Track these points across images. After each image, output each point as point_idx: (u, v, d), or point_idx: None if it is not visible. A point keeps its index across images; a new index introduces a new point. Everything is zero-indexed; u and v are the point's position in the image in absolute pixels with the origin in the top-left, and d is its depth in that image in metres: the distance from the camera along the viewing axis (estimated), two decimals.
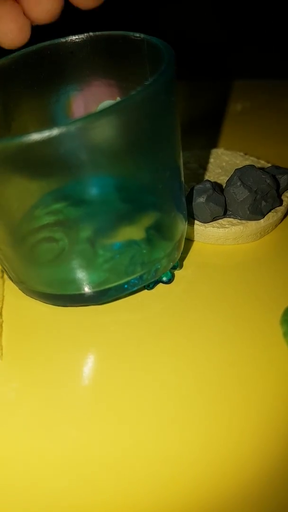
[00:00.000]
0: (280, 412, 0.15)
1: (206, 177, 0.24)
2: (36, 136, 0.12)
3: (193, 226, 0.21)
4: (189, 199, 0.21)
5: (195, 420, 0.15)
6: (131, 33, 0.17)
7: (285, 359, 0.16)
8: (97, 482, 0.13)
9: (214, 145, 0.28)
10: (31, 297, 0.19)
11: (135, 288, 0.18)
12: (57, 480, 0.13)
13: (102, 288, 0.18)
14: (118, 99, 0.19)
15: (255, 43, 0.47)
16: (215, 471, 0.14)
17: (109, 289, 0.18)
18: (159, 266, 0.18)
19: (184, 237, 0.19)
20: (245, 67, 0.42)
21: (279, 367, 0.16)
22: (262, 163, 0.24)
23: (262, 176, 0.21)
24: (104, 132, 0.13)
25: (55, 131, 0.13)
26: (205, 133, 0.30)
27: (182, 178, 0.18)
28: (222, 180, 0.23)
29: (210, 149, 0.26)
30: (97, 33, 0.18)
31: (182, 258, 0.21)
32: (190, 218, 0.21)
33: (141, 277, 0.18)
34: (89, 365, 0.17)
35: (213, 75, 0.40)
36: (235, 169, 0.21)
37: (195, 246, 0.21)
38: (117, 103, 0.13)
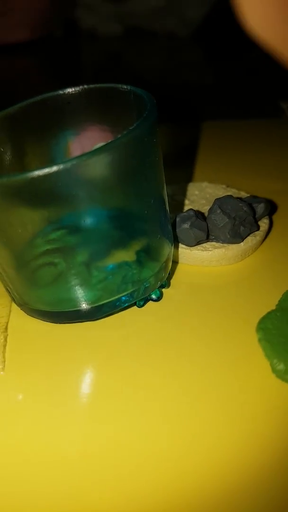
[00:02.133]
0: (259, 412, 0.16)
1: (191, 207, 0.26)
2: (37, 172, 0.15)
3: (179, 250, 0.23)
4: (175, 225, 0.23)
5: (183, 426, 0.16)
6: (119, 85, 0.20)
7: (260, 361, 0.17)
8: (96, 490, 0.15)
9: (199, 178, 0.31)
10: (32, 316, 0.21)
11: (126, 305, 0.20)
12: (58, 487, 0.15)
13: (96, 305, 0.19)
14: None
15: (233, 88, 0.52)
16: (199, 478, 0.15)
17: (103, 305, 0.20)
18: (148, 285, 0.20)
19: (171, 258, 0.22)
20: (229, 109, 0.46)
21: (256, 368, 0.17)
22: (242, 194, 0.27)
23: (240, 204, 0.23)
24: (96, 168, 0.16)
25: (54, 168, 0.15)
26: (191, 168, 0.33)
27: (167, 206, 0.21)
28: (206, 209, 0.26)
29: (195, 182, 0.29)
30: (90, 85, 0.21)
31: (170, 278, 0.23)
32: (176, 242, 0.23)
33: (131, 294, 0.20)
34: (85, 377, 0.18)
35: (199, 117, 0.44)
36: (215, 199, 0.23)
37: (182, 268, 0.24)
38: (107, 144, 0.16)
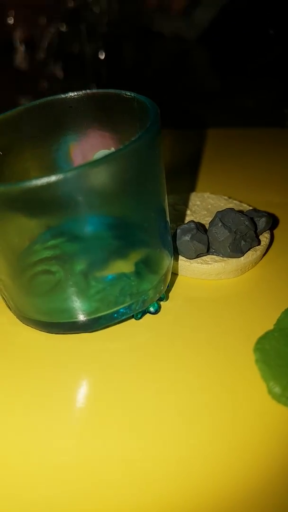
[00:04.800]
0: (254, 434, 0.16)
1: (192, 218, 0.26)
2: (36, 182, 0.15)
3: (179, 262, 0.23)
4: (175, 237, 0.23)
5: (177, 444, 0.16)
6: (123, 92, 0.20)
7: (256, 383, 0.17)
8: (88, 507, 0.14)
9: (201, 189, 0.31)
10: (27, 325, 0.20)
11: (124, 317, 0.20)
12: (49, 503, 0.14)
13: (93, 316, 0.19)
14: (112, 149, 0.22)
15: (238, 93, 0.51)
16: (192, 499, 0.15)
17: (100, 317, 0.19)
18: (146, 297, 0.20)
19: (170, 271, 0.21)
20: (232, 116, 0.46)
21: (252, 389, 0.17)
22: (244, 206, 0.27)
23: (241, 218, 0.23)
24: (96, 179, 0.16)
25: (53, 178, 0.15)
26: (193, 178, 0.33)
27: (168, 218, 0.21)
28: (207, 221, 0.25)
29: (197, 193, 0.28)
30: (93, 90, 0.21)
31: (168, 291, 0.22)
32: (176, 254, 0.23)
33: (129, 307, 0.20)
34: (79, 389, 0.18)
35: (203, 123, 0.43)
36: (217, 212, 0.23)
37: (180, 280, 0.23)
38: (108, 155, 0.15)
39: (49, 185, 0.15)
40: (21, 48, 0.49)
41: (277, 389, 0.16)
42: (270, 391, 0.16)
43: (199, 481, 0.15)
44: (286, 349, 0.17)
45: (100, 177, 0.16)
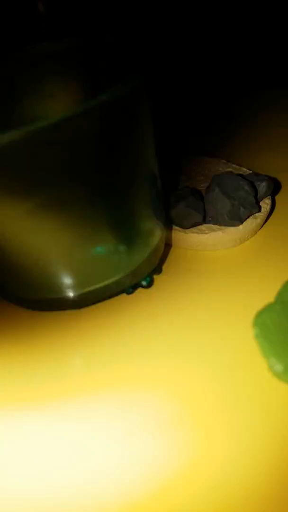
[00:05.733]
0: (255, 413, 0.15)
1: (188, 184, 0.24)
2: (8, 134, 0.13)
3: (173, 232, 0.21)
4: (169, 205, 0.21)
5: (174, 423, 0.15)
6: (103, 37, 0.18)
7: (256, 358, 0.16)
8: (78, 490, 0.14)
9: (198, 152, 0.29)
10: (13, 303, 0.19)
11: (115, 292, 0.18)
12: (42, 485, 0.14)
13: (82, 292, 0.18)
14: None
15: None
16: (192, 476, 0.14)
17: (89, 292, 0.18)
18: (137, 270, 0.19)
19: (163, 242, 0.20)
20: (235, 76, 0.43)
21: (252, 366, 0.16)
22: (244, 170, 0.25)
23: (240, 182, 0.21)
24: (76, 131, 0.14)
25: (24, 130, 0.13)
26: (190, 140, 0.31)
27: (159, 184, 0.19)
28: (204, 186, 0.24)
29: (193, 156, 0.27)
30: (70, 38, 0.19)
31: (162, 263, 0.21)
32: (170, 223, 0.21)
33: (120, 281, 0.18)
34: (71, 368, 0.17)
35: (207, 76, 0.40)
36: (213, 176, 0.21)
37: (174, 252, 0.22)
38: (87, 103, 0.13)
39: (19, 138, 0.13)
40: None
41: (278, 367, 0.14)
42: (271, 368, 0.15)
43: (199, 461, 0.14)
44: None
45: (80, 129, 0.14)
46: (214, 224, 0.21)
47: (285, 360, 0.14)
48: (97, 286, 0.18)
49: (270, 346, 0.15)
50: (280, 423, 0.15)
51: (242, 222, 0.21)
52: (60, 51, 0.19)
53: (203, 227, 0.21)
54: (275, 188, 0.24)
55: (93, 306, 0.19)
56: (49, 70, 0.19)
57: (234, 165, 0.26)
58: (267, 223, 0.23)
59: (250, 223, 0.22)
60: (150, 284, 0.20)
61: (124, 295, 0.20)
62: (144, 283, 0.20)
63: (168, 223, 0.21)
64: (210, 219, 0.22)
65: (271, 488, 0.13)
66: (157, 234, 0.19)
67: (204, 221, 0.22)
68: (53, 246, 0.17)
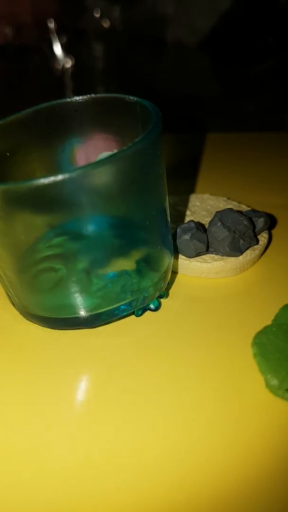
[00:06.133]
0: (252, 427, 0.16)
1: (192, 218, 0.27)
2: (42, 181, 0.15)
3: (179, 260, 0.24)
4: (176, 236, 0.23)
5: (177, 439, 0.16)
6: (126, 96, 0.21)
7: (255, 376, 0.18)
8: (90, 505, 0.15)
9: (201, 191, 0.32)
10: (30, 321, 0.21)
11: (125, 314, 0.20)
12: (52, 495, 0.15)
13: (95, 312, 0.20)
14: (115, 151, 0.22)
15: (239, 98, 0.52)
16: (192, 491, 0.15)
17: (101, 313, 0.20)
18: (146, 294, 0.20)
19: (171, 269, 0.22)
20: (234, 120, 0.47)
21: (250, 383, 0.18)
22: (243, 207, 0.27)
23: (240, 218, 0.23)
24: (100, 179, 0.16)
25: (59, 177, 0.15)
26: (194, 180, 0.34)
27: (168, 218, 0.21)
28: (207, 221, 0.26)
29: (197, 194, 0.29)
30: (98, 95, 0.21)
31: (168, 288, 0.23)
32: (176, 253, 0.23)
33: (130, 303, 0.20)
34: (81, 383, 0.19)
35: (203, 128, 0.44)
36: (216, 212, 0.24)
37: (181, 278, 0.24)
38: (111, 156, 0.16)
39: (54, 184, 0.15)
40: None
41: (274, 382, 0.16)
42: (267, 384, 0.17)
43: (198, 473, 0.15)
44: (284, 343, 0.17)
45: (103, 178, 0.16)
46: (217, 254, 0.24)
47: (280, 376, 0.16)
48: (110, 307, 0.20)
49: (267, 364, 0.17)
50: (274, 434, 0.16)
51: (242, 253, 0.23)
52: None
53: (207, 256, 0.24)
54: (272, 223, 0.27)
55: (105, 326, 0.21)
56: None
57: (234, 202, 0.28)
58: (264, 254, 0.25)
59: (250, 254, 0.24)
60: (158, 308, 0.22)
61: (134, 316, 0.21)
62: (152, 306, 0.22)
63: (175, 253, 0.23)
64: (212, 249, 0.24)
65: (268, 500, 0.15)
66: (165, 262, 0.21)
67: (207, 251, 0.24)
68: (72, 271, 0.19)
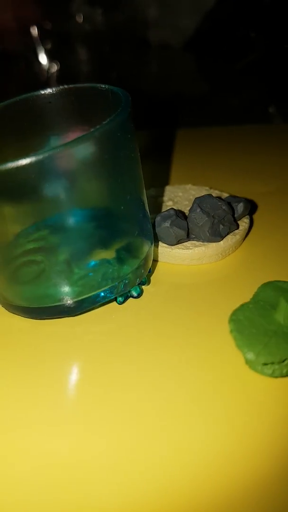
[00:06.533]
0: (231, 401, 0.16)
1: (174, 207, 0.27)
2: (10, 165, 0.15)
3: (160, 249, 0.24)
4: (155, 225, 0.23)
5: (159, 418, 0.16)
6: (98, 85, 0.21)
7: (233, 352, 0.18)
8: (79, 492, 0.15)
9: (184, 181, 0.32)
10: (12, 312, 0.21)
11: (106, 300, 0.20)
12: (44, 489, 0.15)
13: (76, 299, 0.20)
14: None
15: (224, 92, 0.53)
16: (175, 470, 0.15)
17: (83, 300, 0.20)
18: (127, 281, 0.21)
19: (151, 256, 0.22)
20: (221, 117, 0.47)
21: (229, 359, 0.18)
22: (225, 195, 0.27)
23: (218, 203, 0.23)
24: (69, 161, 0.16)
25: (27, 160, 0.15)
26: (177, 172, 0.34)
27: (146, 206, 0.21)
28: (188, 210, 0.26)
29: (180, 185, 0.29)
30: (70, 85, 0.22)
31: (150, 276, 0.23)
32: (157, 241, 0.24)
33: (111, 290, 0.20)
34: (66, 372, 0.19)
35: (189, 124, 0.44)
36: (195, 198, 0.24)
37: (162, 266, 0.24)
38: (79, 137, 0.16)
39: (23, 167, 0.15)
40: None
41: (251, 355, 0.16)
42: (246, 360, 0.17)
43: (183, 451, 0.15)
44: (260, 318, 0.17)
45: (72, 160, 0.17)
46: (198, 240, 0.24)
47: (256, 350, 0.16)
48: (90, 294, 0.20)
49: (243, 338, 0.17)
50: (253, 408, 0.16)
51: (222, 238, 0.24)
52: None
53: (188, 243, 0.24)
54: (252, 208, 0.27)
55: (87, 314, 0.21)
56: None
57: (216, 191, 0.28)
58: (246, 239, 0.25)
59: (231, 239, 0.24)
60: (140, 295, 0.22)
61: (117, 304, 0.22)
62: (134, 293, 0.22)
63: (156, 241, 0.23)
64: (193, 236, 0.24)
65: (248, 474, 0.14)
66: (145, 249, 0.21)
67: (188, 238, 0.24)
68: (53, 263, 0.19)
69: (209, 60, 0.61)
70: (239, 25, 0.57)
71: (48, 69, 0.52)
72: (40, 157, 0.15)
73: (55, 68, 0.52)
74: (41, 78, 0.51)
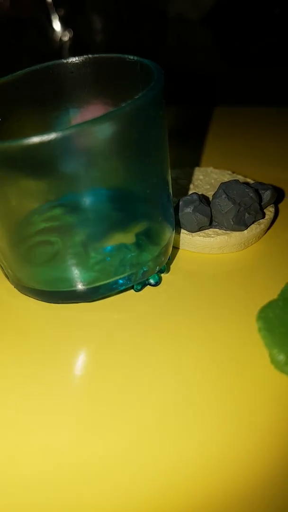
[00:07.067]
0: (256, 404, 0.15)
1: (196, 191, 0.25)
2: (34, 139, 0.14)
3: (181, 235, 0.22)
4: (177, 209, 0.22)
5: (179, 415, 0.15)
6: (125, 56, 0.19)
7: (260, 351, 0.17)
8: (88, 484, 0.14)
9: (205, 164, 0.30)
10: (25, 294, 0.20)
11: (123, 287, 0.19)
12: (50, 479, 0.14)
13: (92, 286, 0.19)
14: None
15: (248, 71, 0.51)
16: (194, 469, 0.14)
17: (99, 287, 0.19)
18: (146, 269, 0.19)
19: (172, 243, 0.21)
20: (238, 94, 0.45)
21: (255, 359, 0.17)
22: (248, 181, 0.26)
23: (246, 190, 0.22)
24: (96, 138, 0.15)
25: (51, 136, 0.14)
26: (198, 153, 0.32)
27: (170, 189, 0.20)
28: (210, 195, 0.25)
29: (201, 167, 0.28)
30: (95, 55, 0.20)
31: (170, 264, 0.22)
32: (178, 227, 0.22)
33: (129, 277, 0.19)
34: (77, 359, 0.18)
35: (210, 102, 0.42)
36: (221, 183, 0.22)
37: (182, 254, 0.23)
38: (108, 113, 0.15)
39: (46, 143, 0.14)
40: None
41: (281, 357, 0.15)
42: (273, 360, 0.16)
43: (201, 451, 0.14)
44: None
45: (99, 137, 0.15)
46: (220, 228, 0.22)
47: (287, 352, 0.15)
48: (108, 281, 0.19)
49: (273, 338, 0.16)
50: (278, 411, 0.15)
51: (247, 227, 0.22)
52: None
53: (210, 231, 0.22)
54: (278, 197, 0.25)
55: (103, 300, 0.20)
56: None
57: (239, 176, 0.27)
58: (270, 229, 0.24)
59: (255, 228, 0.23)
60: (158, 283, 0.21)
61: (134, 292, 0.21)
62: (152, 281, 0.21)
63: (177, 227, 0.22)
64: (216, 223, 0.23)
65: (272, 476, 0.14)
66: (166, 236, 0.20)
67: (210, 225, 0.23)
68: (68, 245, 0.18)
69: (226, 36, 0.59)
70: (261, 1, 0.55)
71: (61, 37, 0.49)
72: (67, 132, 0.14)
73: (67, 36, 0.50)
74: (53, 46, 0.49)
